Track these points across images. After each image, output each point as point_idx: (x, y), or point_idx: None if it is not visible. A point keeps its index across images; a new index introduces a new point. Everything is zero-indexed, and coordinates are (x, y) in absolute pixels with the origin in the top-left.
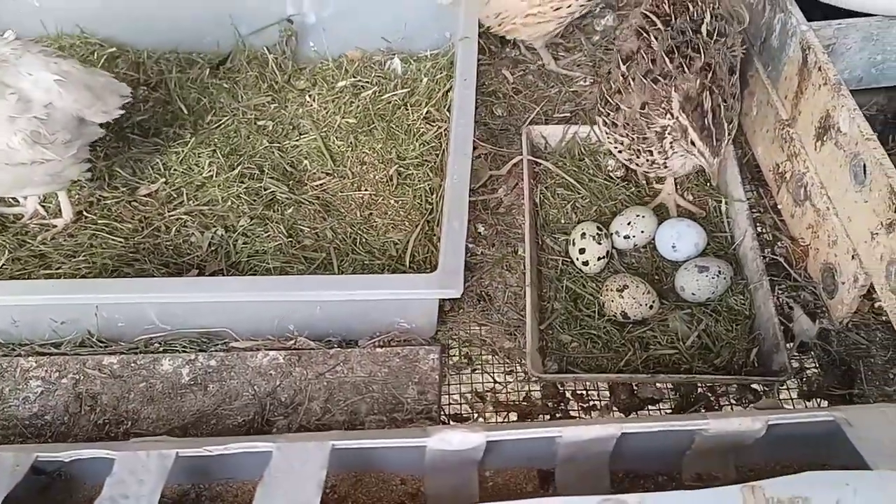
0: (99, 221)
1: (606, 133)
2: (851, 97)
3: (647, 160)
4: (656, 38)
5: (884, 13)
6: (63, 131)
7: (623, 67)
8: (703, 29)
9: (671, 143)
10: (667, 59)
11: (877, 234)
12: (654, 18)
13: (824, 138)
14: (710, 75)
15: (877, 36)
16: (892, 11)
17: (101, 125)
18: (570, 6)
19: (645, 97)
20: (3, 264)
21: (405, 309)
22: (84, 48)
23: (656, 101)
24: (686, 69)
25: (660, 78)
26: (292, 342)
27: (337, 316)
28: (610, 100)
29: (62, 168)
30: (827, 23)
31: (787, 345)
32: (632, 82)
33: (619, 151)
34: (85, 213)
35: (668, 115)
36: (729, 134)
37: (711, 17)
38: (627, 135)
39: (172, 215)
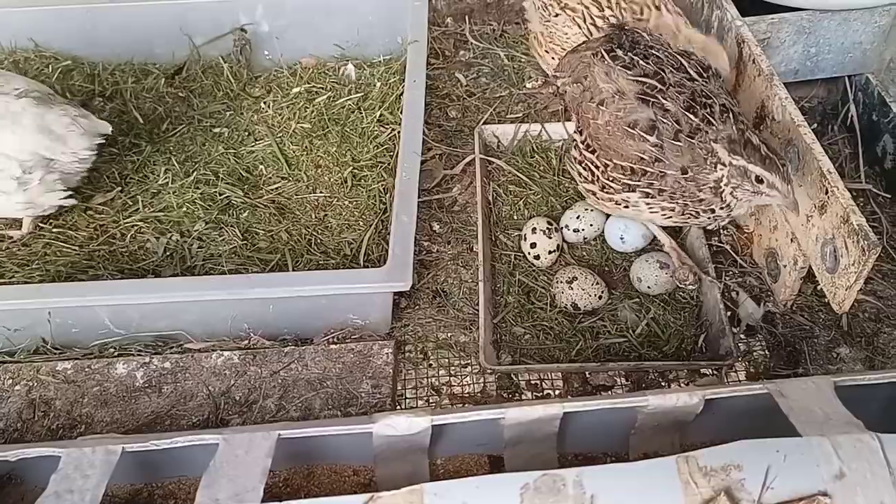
0: (54, 230)
1: (649, 206)
2: (783, 86)
3: (710, 217)
4: (668, 100)
5: (814, 7)
6: (10, 170)
7: (652, 138)
8: (692, 72)
9: (732, 191)
10: (690, 115)
11: (811, 216)
12: (646, 80)
13: (761, 127)
14: (735, 114)
15: (809, 29)
16: (822, 5)
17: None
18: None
19: (684, 161)
20: None
21: (358, 305)
22: (38, 61)
23: (698, 160)
24: (712, 119)
25: (691, 136)
26: (247, 342)
27: (290, 314)
28: (647, 170)
29: (29, 198)
30: (760, 18)
31: (734, 329)
32: (664, 150)
33: (668, 217)
34: (42, 221)
35: (720, 166)
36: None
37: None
38: (678, 201)
39: (128, 222)
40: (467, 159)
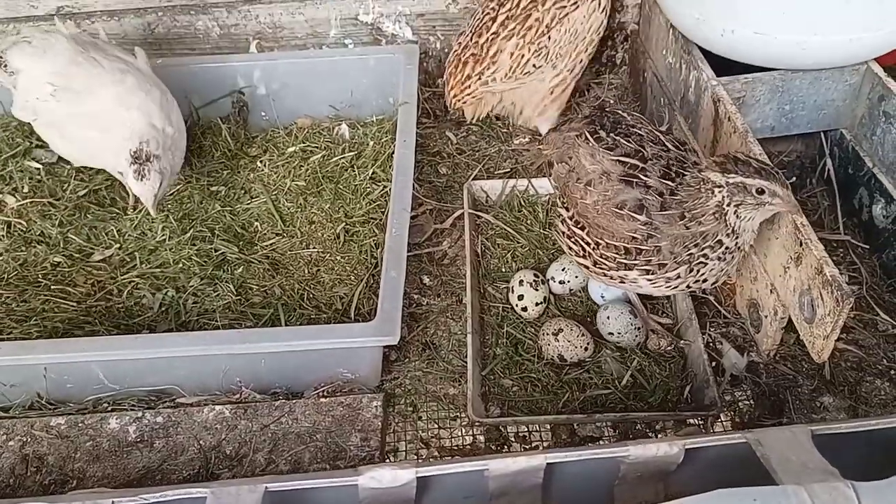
0: (53, 287)
1: (650, 281)
2: (757, 143)
3: (719, 257)
4: (649, 175)
5: (786, 67)
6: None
7: (642, 217)
8: (668, 144)
9: (735, 210)
10: (667, 182)
11: (788, 267)
12: (629, 159)
13: None
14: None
15: (782, 88)
16: (794, 65)
17: None
18: (583, 61)
19: (678, 211)
20: None
21: (348, 358)
22: None
23: (694, 198)
24: (686, 169)
25: (676, 194)
26: (238, 396)
27: (281, 368)
28: (642, 248)
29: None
30: (735, 77)
31: (719, 379)
32: (662, 219)
33: (675, 287)
34: (40, 277)
35: (716, 189)
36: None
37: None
38: (682, 259)
39: (125, 278)
40: (456, 214)
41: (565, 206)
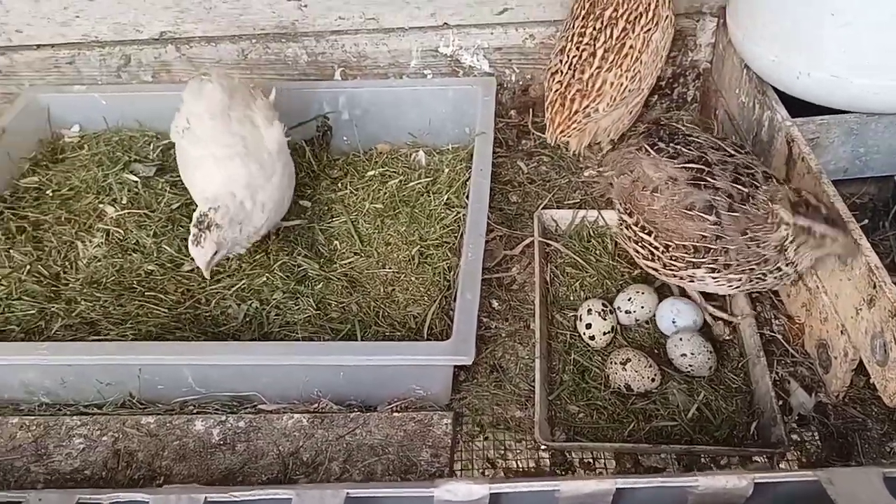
0: (146, 293)
1: (715, 279)
2: (831, 184)
3: (776, 277)
4: (716, 178)
5: (861, 110)
6: None
7: (711, 217)
8: (730, 149)
9: (796, 248)
10: (739, 186)
11: (860, 309)
12: (693, 165)
13: None
14: (777, 179)
15: (857, 131)
16: (869, 109)
17: None
18: (658, 75)
19: (742, 226)
20: (56, 331)
21: (421, 376)
22: (141, 139)
23: (758, 223)
24: (757, 183)
25: (745, 204)
26: (316, 405)
27: (358, 381)
28: (710, 247)
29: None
30: (810, 119)
31: (786, 418)
32: (729, 219)
33: (735, 287)
34: (135, 284)
35: (783, 226)
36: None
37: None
38: (744, 271)
39: (213, 289)
40: (527, 241)
41: (628, 212)
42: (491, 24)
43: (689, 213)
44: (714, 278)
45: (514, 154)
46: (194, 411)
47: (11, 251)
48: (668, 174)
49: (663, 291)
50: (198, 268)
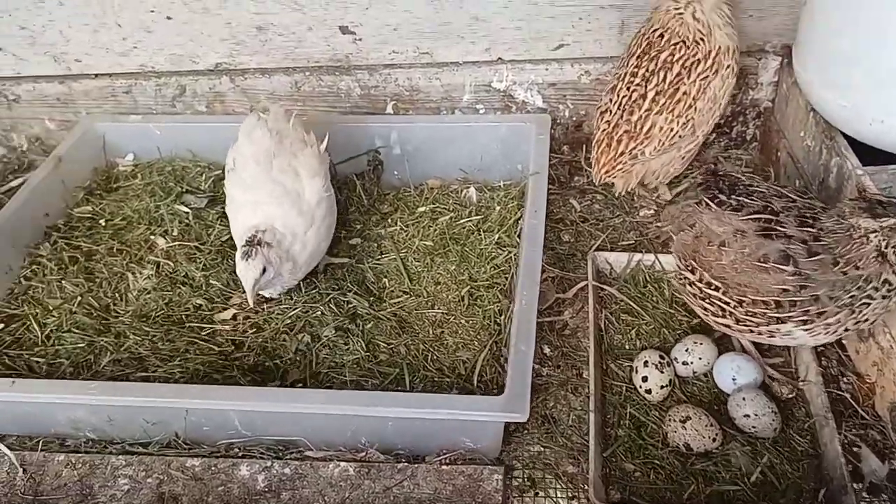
0: (196, 329)
1: (808, 331)
2: None
3: (883, 296)
4: (785, 226)
5: None
6: None
7: (789, 267)
8: (792, 195)
9: (895, 249)
10: (808, 228)
11: None
12: (760, 215)
13: None
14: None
15: None
16: None
17: None
18: (716, 122)
19: (828, 264)
20: (105, 365)
21: (472, 429)
22: (194, 169)
23: (845, 244)
24: (819, 216)
25: (820, 241)
26: (363, 454)
27: (407, 431)
28: (796, 300)
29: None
30: (882, 168)
31: (856, 485)
32: (812, 266)
33: (837, 332)
34: (184, 318)
35: (871, 235)
36: None
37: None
38: (844, 302)
39: (266, 322)
40: (580, 285)
41: (689, 268)
42: (546, 59)
43: (764, 265)
44: (807, 329)
45: (566, 191)
46: (239, 454)
47: (63, 282)
48: (734, 227)
49: (723, 342)
50: (243, 297)
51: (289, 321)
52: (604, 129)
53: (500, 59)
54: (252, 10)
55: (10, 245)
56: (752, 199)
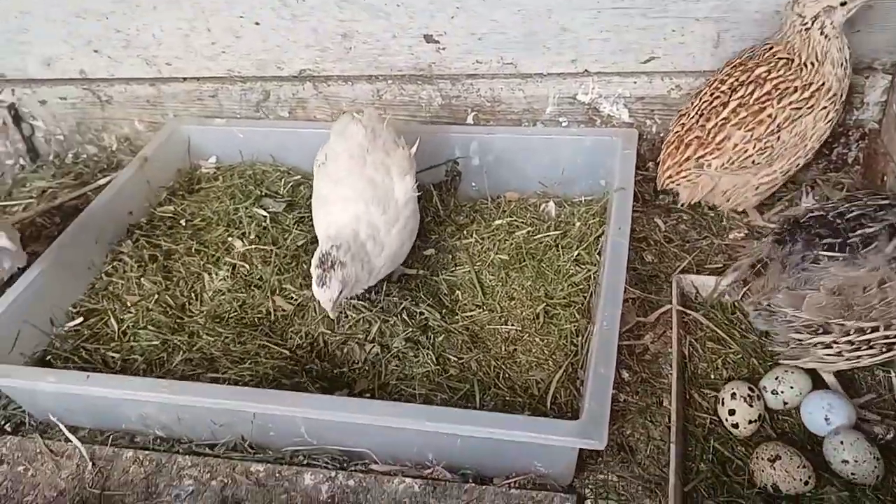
0: (267, 332)
1: None
2: None
3: None
4: None
5: None
6: None
7: None
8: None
9: None
10: None
11: None
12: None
13: None
14: None
15: None
16: None
17: None
18: (799, 164)
19: None
20: (177, 364)
21: (545, 453)
22: (274, 174)
23: None
24: None
25: None
26: (429, 471)
27: (476, 450)
28: None
29: None
30: None
31: None
32: None
33: None
34: (256, 321)
35: None
36: None
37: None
38: None
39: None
40: (663, 309)
41: (825, 330)
42: (635, 72)
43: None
44: None
45: (650, 209)
46: (304, 462)
47: (142, 279)
48: (873, 263)
49: (816, 374)
50: (324, 310)
51: (361, 332)
52: (676, 132)
53: (586, 70)
54: (338, 17)
55: (94, 241)
56: (868, 224)
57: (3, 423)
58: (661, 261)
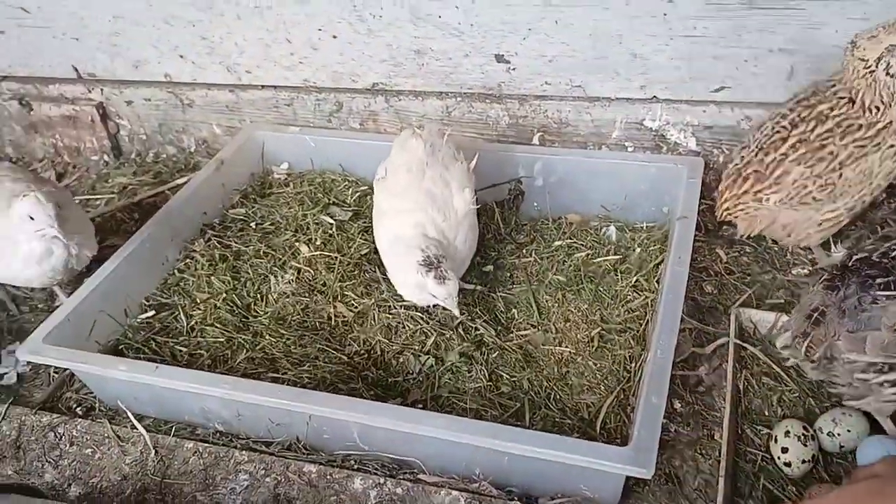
0: (327, 337)
1: None
2: None
3: None
4: None
5: None
6: None
7: None
8: None
9: None
10: None
11: None
12: None
13: None
14: None
15: None
16: None
17: None
18: (865, 202)
19: None
20: (240, 362)
21: (591, 476)
22: (342, 183)
23: None
24: None
25: None
26: (476, 486)
27: (523, 469)
28: None
29: None
30: None
31: None
32: None
33: None
34: (317, 326)
35: None
36: None
37: None
38: None
39: (393, 339)
40: (720, 341)
41: (891, 367)
42: (705, 101)
43: None
44: None
45: (713, 240)
46: (354, 466)
47: (212, 277)
48: None
49: (874, 419)
50: (449, 311)
51: (417, 344)
52: (736, 164)
53: (655, 97)
54: (413, 34)
55: (170, 238)
56: None
57: (75, 406)
58: (720, 292)
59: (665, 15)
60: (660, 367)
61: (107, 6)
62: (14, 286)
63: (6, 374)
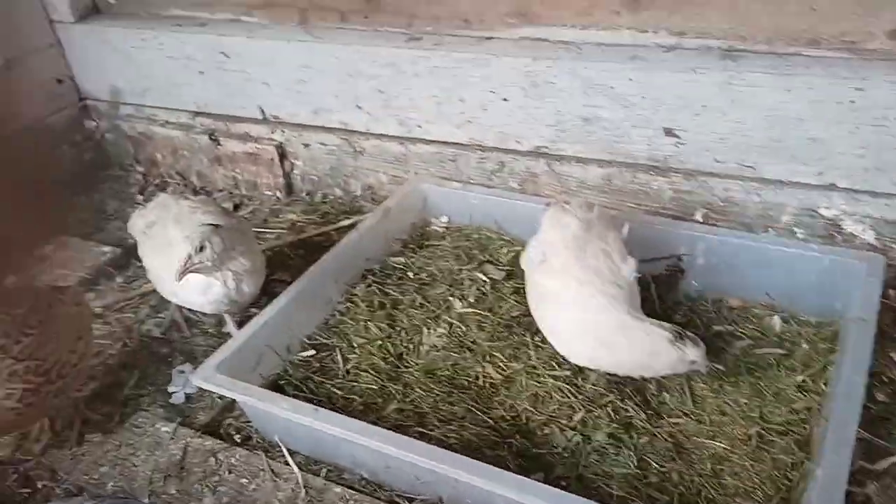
0: (475, 396)
1: None
2: None
3: None
4: None
5: None
6: None
7: None
8: None
9: None
10: None
11: None
12: None
13: None
14: None
15: None
16: None
17: None
18: None
19: None
20: (390, 412)
21: None
22: (497, 241)
23: None
24: None
25: None
26: None
27: None
28: None
29: None
30: None
31: None
32: None
33: None
34: (466, 384)
35: None
36: None
37: None
38: None
39: (540, 410)
40: (894, 458)
41: None
42: (889, 193)
43: None
44: None
45: (887, 343)
46: None
47: (370, 322)
48: None
49: None
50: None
51: (564, 417)
52: None
53: (832, 184)
54: (582, 103)
55: (334, 280)
56: None
57: (234, 433)
58: (893, 401)
59: (852, 102)
60: (831, 484)
61: (297, 56)
62: (190, 309)
63: (175, 393)
